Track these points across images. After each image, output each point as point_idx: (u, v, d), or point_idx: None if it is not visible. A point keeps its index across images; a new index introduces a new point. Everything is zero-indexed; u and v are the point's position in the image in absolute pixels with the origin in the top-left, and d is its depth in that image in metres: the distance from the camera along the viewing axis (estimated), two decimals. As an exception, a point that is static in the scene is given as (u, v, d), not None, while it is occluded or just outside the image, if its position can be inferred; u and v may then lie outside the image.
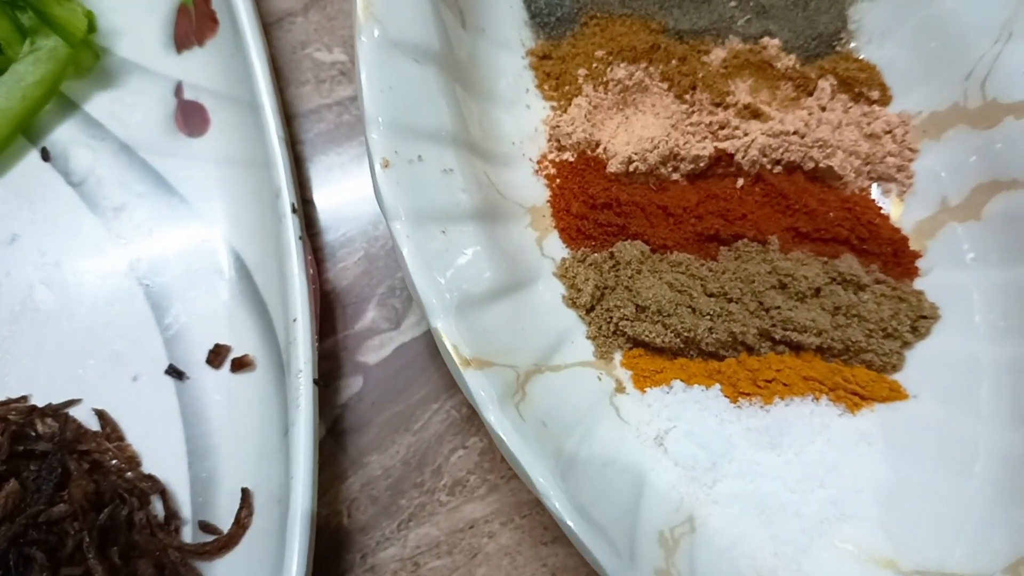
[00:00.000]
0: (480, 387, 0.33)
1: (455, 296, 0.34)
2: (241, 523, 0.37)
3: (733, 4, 0.46)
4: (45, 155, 0.44)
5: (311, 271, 0.39)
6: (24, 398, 0.40)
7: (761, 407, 0.39)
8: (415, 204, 0.34)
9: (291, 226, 0.39)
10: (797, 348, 0.40)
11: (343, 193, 0.45)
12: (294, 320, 0.37)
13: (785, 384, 0.40)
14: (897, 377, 0.40)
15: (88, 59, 0.45)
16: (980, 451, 0.37)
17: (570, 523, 0.31)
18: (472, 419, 0.41)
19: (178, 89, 0.45)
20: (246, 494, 0.37)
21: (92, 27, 0.45)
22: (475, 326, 0.34)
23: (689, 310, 0.40)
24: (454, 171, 0.37)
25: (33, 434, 0.39)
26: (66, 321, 0.42)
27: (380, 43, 0.35)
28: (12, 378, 0.41)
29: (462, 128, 0.38)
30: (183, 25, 0.46)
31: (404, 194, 0.34)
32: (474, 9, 0.42)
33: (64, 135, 0.45)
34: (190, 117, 0.45)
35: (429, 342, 0.43)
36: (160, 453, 0.39)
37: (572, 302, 0.41)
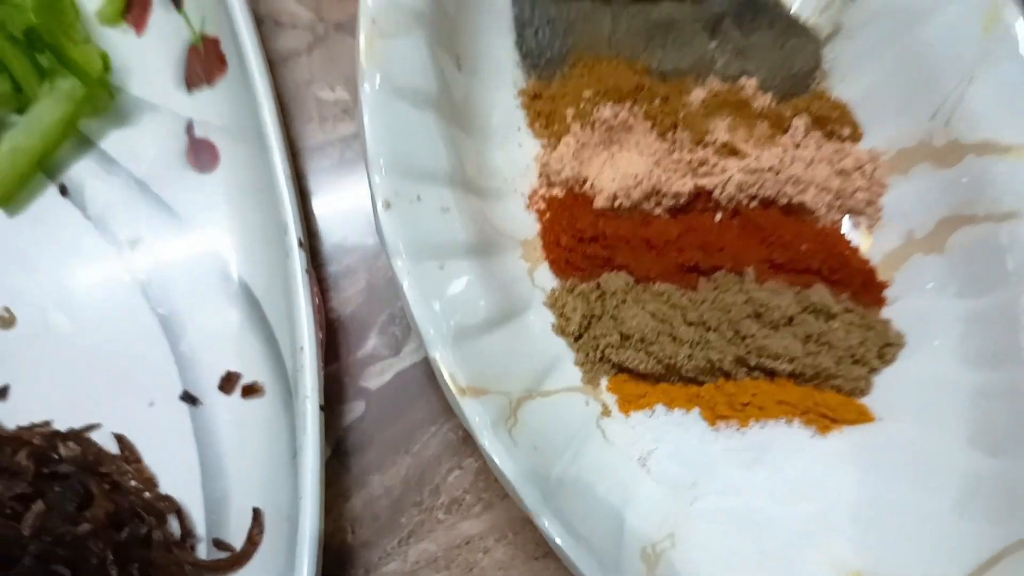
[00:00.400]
0: (475, 414, 0.35)
1: (452, 327, 0.36)
2: (253, 540, 0.39)
3: (713, 45, 0.48)
4: (63, 190, 0.47)
5: (317, 301, 0.42)
6: (47, 423, 0.43)
7: (738, 429, 0.42)
8: (415, 242, 0.37)
9: (298, 260, 0.41)
10: (771, 374, 0.43)
11: (346, 225, 0.48)
12: (301, 348, 0.40)
13: (760, 408, 0.42)
14: (865, 401, 0.43)
15: (103, 98, 0.48)
16: (942, 470, 0.39)
17: (558, 541, 0.33)
18: (468, 441, 0.44)
19: (189, 127, 0.48)
20: (257, 513, 0.40)
21: (106, 67, 0.48)
22: (470, 356, 0.36)
23: (670, 338, 0.42)
24: (451, 209, 0.39)
25: (56, 457, 0.41)
26: (84, 349, 0.44)
27: (381, 89, 0.38)
28: (35, 404, 0.43)
29: (458, 167, 0.41)
30: (193, 65, 0.48)
31: (404, 232, 0.36)
32: (469, 52, 0.45)
33: (81, 171, 0.47)
34: (201, 154, 0.47)
35: (427, 368, 0.45)
36: (176, 474, 0.42)
37: (561, 330, 0.43)
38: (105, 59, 0.48)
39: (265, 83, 0.44)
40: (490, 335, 0.38)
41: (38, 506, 0.38)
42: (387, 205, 0.36)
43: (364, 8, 0.37)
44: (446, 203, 0.39)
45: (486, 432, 0.35)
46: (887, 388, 0.43)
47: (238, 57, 0.45)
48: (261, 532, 0.39)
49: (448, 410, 0.44)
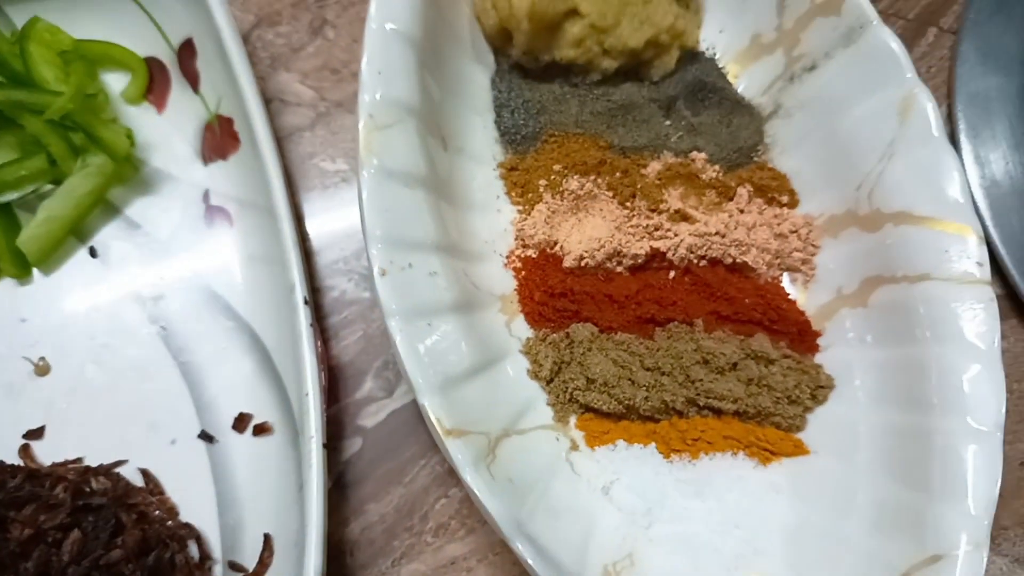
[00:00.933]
0: (458, 452, 0.41)
1: (438, 377, 0.42)
2: (264, 563, 0.45)
3: (668, 123, 0.55)
4: (93, 253, 0.53)
5: (320, 350, 0.47)
6: (79, 459, 0.48)
7: (689, 461, 0.48)
8: (406, 303, 0.42)
9: (303, 316, 0.46)
10: (718, 412, 0.49)
11: (344, 280, 0.54)
12: (306, 394, 0.45)
13: (709, 442, 0.48)
14: (801, 436, 0.49)
15: (129, 171, 0.54)
16: (861, 498, 0.46)
17: (531, 562, 0.39)
18: (453, 473, 0.50)
19: (206, 195, 0.54)
20: (268, 539, 0.45)
21: (131, 142, 0.54)
22: (454, 401, 0.42)
23: (629, 382, 0.48)
24: (438, 273, 0.45)
25: (88, 490, 0.47)
26: (113, 394, 0.50)
27: (378, 174, 0.43)
28: (69, 443, 0.49)
29: (443, 236, 0.46)
30: (209, 141, 0.55)
31: (398, 296, 0.42)
32: (454, 133, 0.51)
33: (108, 234, 0.53)
34: (216, 219, 0.53)
35: (417, 409, 0.50)
36: (195, 504, 0.47)
37: (535, 375, 0.49)
38: (130, 135, 0.54)
39: (274, 159, 0.49)
40: (472, 381, 0.44)
41: (75, 535, 0.44)
42: (383, 272, 0.42)
43: (363, 105, 0.44)
44: (433, 268, 0.45)
45: (468, 469, 0.40)
46: (819, 425, 0.49)
47: (250, 135, 0.51)
48: (271, 555, 0.45)
49: (436, 446, 0.50)
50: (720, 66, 0.58)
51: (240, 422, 0.49)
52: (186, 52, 0.55)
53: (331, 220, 0.55)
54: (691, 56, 0.57)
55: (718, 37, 0.59)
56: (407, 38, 0.46)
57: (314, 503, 0.42)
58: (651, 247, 0.52)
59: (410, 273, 0.43)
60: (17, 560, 0.43)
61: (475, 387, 0.44)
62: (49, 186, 0.53)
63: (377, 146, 0.44)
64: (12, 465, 0.47)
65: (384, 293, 0.42)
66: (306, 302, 0.47)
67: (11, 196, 0.52)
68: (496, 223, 0.53)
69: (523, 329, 0.51)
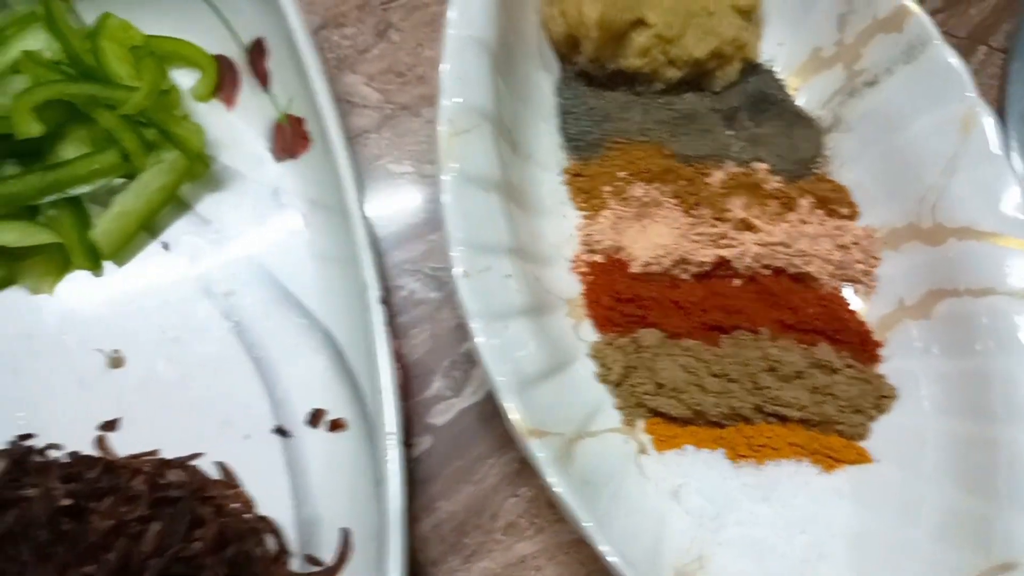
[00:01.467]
0: (540, 451, 0.41)
1: (518, 377, 0.43)
2: (343, 557, 0.45)
3: (730, 134, 0.56)
4: (165, 247, 0.53)
5: (394, 349, 0.48)
6: (154, 452, 0.49)
7: (756, 467, 0.49)
8: (486, 306, 0.43)
9: (379, 315, 0.47)
10: (784, 419, 0.50)
11: (412, 281, 0.55)
12: (381, 392, 0.45)
13: (775, 448, 0.49)
14: (864, 444, 0.50)
15: (201, 168, 0.54)
16: (926, 505, 0.47)
17: (614, 561, 0.40)
18: (521, 472, 0.50)
19: (275, 193, 0.54)
20: (346, 533, 0.46)
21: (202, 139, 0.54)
22: (532, 402, 0.43)
23: (698, 388, 0.49)
24: (512, 276, 0.45)
25: (165, 482, 0.47)
26: (186, 388, 0.50)
27: (458, 178, 0.44)
28: (142, 436, 0.49)
29: (515, 239, 0.47)
30: (280, 140, 0.55)
31: (478, 298, 0.43)
32: (523, 139, 0.52)
33: (179, 230, 0.54)
34: (287, 218, 0.54)
35: (485, 408, 0.52)
36: (270, 498, 0.48)
37: (603, 378, 0.50)
38: (200, 132, 0.54)
39: (346, 160, 0.50)
40: (546, 383, 0.45)
41: (155, 526, 0.44)
42: (465, 275, 0.43)
43: (443, 110, 0.45)
44: (508, 271, 0.45)
45: (550, 468, 0.41)
46: (882, 434, 0.50)
47: (321, 135, 0.51)
48: (350, 550, 0.46)
49: (504, 444, 0.51)
50: (780, 79, 0.59)
51: (314, 418, 0.50)
52: (256, 51, 0.56)
53: (397, 222, 0.56)
54: (752, 68, 0.58)
55: (777, 50, 0.60)
56: (484, 44, 0.47)
57: (393, 500, 0.42)
58: (716, 255, 0.52)
59: (488, 275, 0.44)
60: (98, 551, 0.43)
61: (549, 389, 0.45)
62: (119, 180, 0.53)
63: (457, 151, 0.45)
64: (90, 456, 0.48)
65: (466, 295, 0.43)
66: (382, 301, 0.48)
67: (83, 189, 0.52)
68: (562, 228, 0.54)
69: (589, 333, 0.52)
